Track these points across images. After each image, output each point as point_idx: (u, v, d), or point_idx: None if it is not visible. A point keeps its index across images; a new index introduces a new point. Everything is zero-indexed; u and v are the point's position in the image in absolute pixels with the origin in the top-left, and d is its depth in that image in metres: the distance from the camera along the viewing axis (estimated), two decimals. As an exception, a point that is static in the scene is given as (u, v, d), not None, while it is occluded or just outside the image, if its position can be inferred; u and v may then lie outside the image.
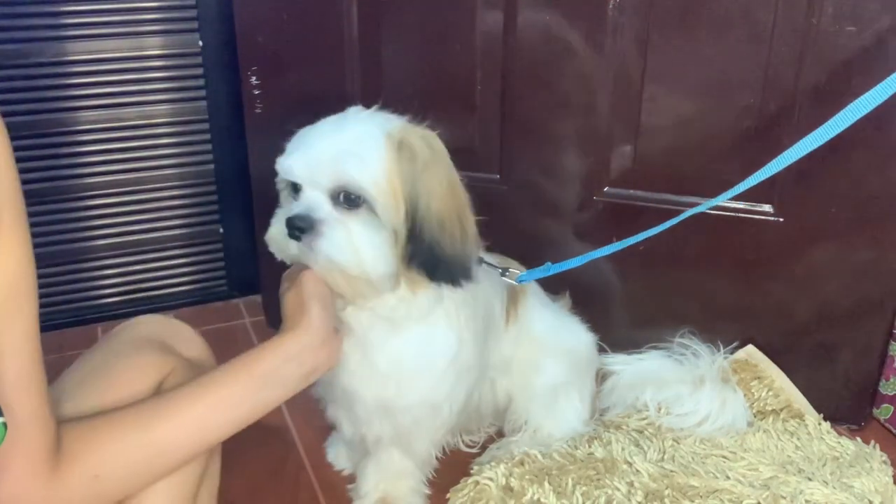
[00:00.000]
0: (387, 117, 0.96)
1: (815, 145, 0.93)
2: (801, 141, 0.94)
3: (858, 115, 0.90)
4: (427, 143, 0.93)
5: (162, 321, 0.94)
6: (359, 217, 0.88)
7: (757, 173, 0.96)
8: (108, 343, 0.88)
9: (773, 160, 0.96)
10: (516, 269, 1.10)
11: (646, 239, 1.33)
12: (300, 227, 0.87)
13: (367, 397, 1.02)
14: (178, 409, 0.74)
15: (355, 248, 0.87)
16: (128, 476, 0.71)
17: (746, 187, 0.97)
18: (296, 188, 0.91)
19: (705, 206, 1.05)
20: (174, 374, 0.85)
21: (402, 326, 0.97)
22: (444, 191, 0.92)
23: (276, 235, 0.91)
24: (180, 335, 0.92)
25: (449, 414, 1.07)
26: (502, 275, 1.07)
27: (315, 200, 0.88)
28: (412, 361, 1.00)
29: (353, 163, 0.88)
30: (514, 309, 1.16)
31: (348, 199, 0.88)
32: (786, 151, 0.95)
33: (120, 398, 0.79)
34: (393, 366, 0.99)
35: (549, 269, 1.09)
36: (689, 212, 1.06)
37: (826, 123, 0.92)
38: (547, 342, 1.19)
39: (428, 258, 0.91)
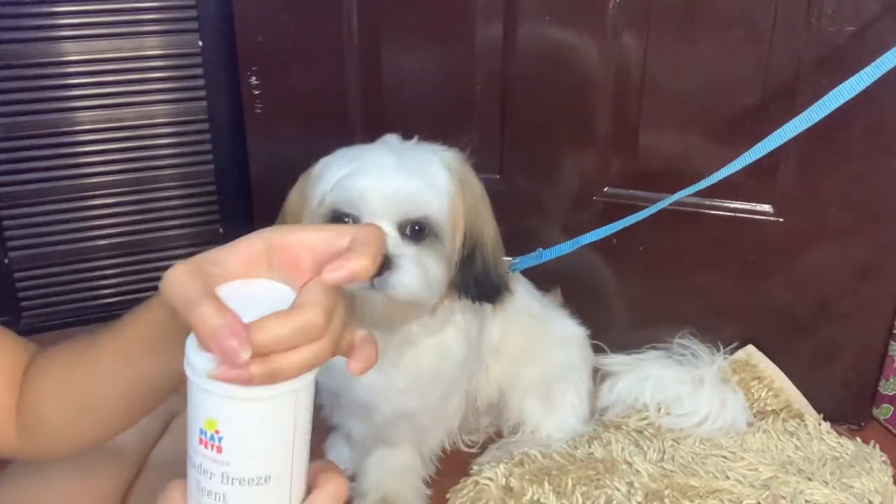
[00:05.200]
0: (434, 147, 0.95)
1: (798, 130, 0.95)
2: (788, 123, 0.95)
3: (836, 105, 0.91)
4: (472, 172, 0.95)
5: None
6: (426, 248, 0.88)
7: (744, 154, 0.98)
8: None
9: (760, 143, 0.97)
10: (507, 258, 1.10)
11: (645, 239, 1.34)
12: None
13: (387, 410, 1.04)
14: (98, 354, 0.62)
15: (428, 279, 0.87)
16: (69, 422, 0.63)
17: (732, 171, 0.98)
18: (344, 220, 0.88)
19: (692, 189, 1.06)
20: (184, 413, 0.85)
21: (415, 343, 0.98)
22: (491, 217, 0.95)
23: None
24: None
25: (458, 405, 1.10)
26: None
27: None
28: (429, 373, 1.01)
29: (432, 197, 0.88)
30: None
31: (415, 231, 0.87)
32: (770, 135, 0.96)
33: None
34: (411, 381, 1.00)
35: (542, 255, 1.09)
36: (672, 197, 1.07)
37: (804, 113, 0.94)
38: (535, 332, 1.20)
39: (479, 282, 0.92)
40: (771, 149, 0.97)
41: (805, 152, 1.22)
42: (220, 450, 0.46)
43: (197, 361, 0.45)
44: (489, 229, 0.95)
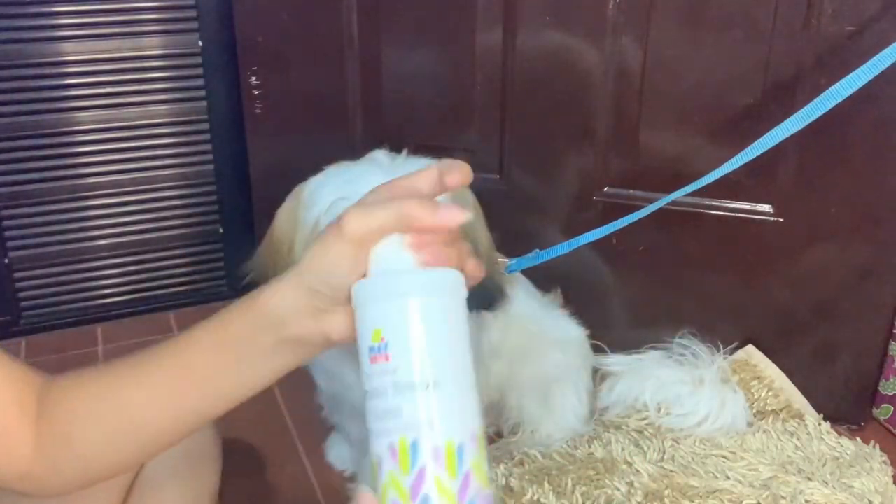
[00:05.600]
0: (425, 163, 0.95)
1: (795, 129, 0.93)
2: (785, 121, 0.94)
3: (831, 104, 0.90)
4: (467, 188, 0.94)
5: None
6: None
7: (739, 154, 0.97)
8: None
9: (755, 142, 0.96)
10: (503, 259, 1.10)
11: (646, 239, 1.34)
12: None
13: None
14: (150, 375, 0.59)
15: None
16: (104, 444, 0.60)
17: (726, 171, 0.97)
18: None
19: (685, 190, 1.05)
20: None
21: None
22: (484, 227, 0.95)
23: None
24: None
25: None
26: None
27: None
28: None
29: None
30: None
31: None
32: (766, 134, 0.95)
33: None
34: None
35: (538, 256, 1.09)
36: (668, 198, 1.06)
37: (800, 111, 0.93)
38: (534, 332, 1.20)
39: (473, 293, 0.92)
40: (768, 147, 0.96)
41: (805, 152, 1.22)
42: (387, 357, 0.48)
43: (379, 264, 0.50)
44: (483, 240, 0.95)
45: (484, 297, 0.95)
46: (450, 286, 0.52)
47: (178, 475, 0.81)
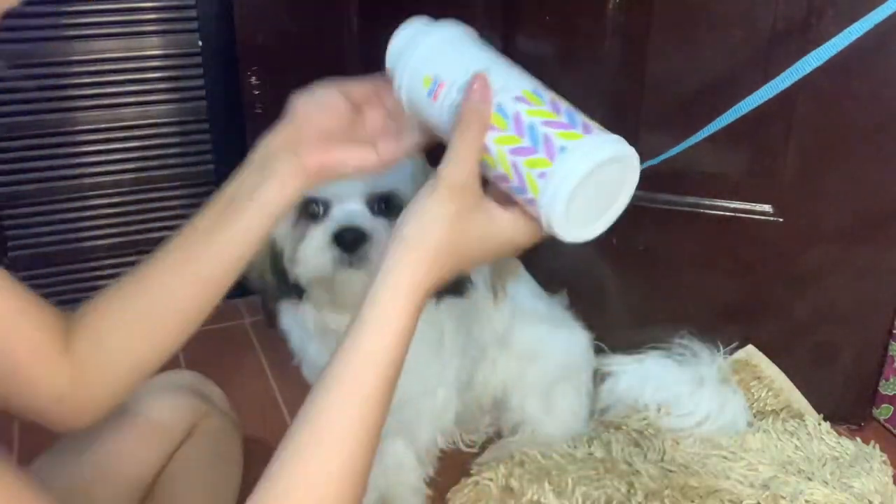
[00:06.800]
0: None
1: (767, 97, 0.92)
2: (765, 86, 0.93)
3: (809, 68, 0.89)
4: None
5: (198, 375, 0.94)
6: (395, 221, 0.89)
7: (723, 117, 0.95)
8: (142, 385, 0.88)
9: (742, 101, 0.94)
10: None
11: (645, 239, 1.34)
12: (352, 239, 0.86)
13: None
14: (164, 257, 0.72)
15: None
16: (130, 334, 0.67)
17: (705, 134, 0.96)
18: (314, 207, 0.89)
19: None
20: (209, 419, 0.86)
21: None
22: None
23: (315, 252, 0.88)
24: (214, 391, 0.93)
25: (445, 398, 1.08)
26: None
27: (355, 211, 0.88)
28: None
29: (396, 170, 0.88)
30: (501, 285, 1.16)
31: (382, 207, 0.89)
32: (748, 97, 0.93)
33: (151, 428, 0.80)
34: None
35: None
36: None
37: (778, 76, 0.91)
38: (541, 333, 1.19)
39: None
40: (742, 113, 0.94)
41: (805, 152, 1.22)
42: (442, 84, 0.64)
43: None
44: None
45: (456, 284, 0.95)
46: (453, 22, 0.67)
47: (202, 475, 0.82)
